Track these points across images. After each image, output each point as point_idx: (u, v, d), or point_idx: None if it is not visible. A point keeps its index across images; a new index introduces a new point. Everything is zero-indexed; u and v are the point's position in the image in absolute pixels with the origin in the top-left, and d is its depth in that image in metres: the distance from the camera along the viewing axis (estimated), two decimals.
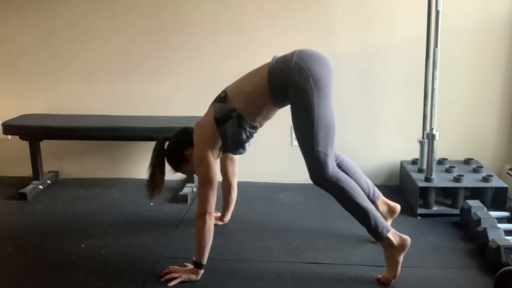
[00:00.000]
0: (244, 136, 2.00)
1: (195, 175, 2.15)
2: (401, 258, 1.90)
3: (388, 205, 2.26)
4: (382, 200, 2.25)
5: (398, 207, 2.26)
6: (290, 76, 1.86)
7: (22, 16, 3.00)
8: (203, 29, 2.91)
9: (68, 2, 2.95)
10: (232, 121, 1.95)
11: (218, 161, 2.18)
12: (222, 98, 2.00)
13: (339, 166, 2.15)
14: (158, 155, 2.09)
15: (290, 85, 1.86)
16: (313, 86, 1.83)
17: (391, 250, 1.90)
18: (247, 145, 2.09)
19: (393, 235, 1.90)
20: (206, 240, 1.93)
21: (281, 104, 1.98)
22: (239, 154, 2.15)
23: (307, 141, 1.88)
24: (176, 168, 2.14)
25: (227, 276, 2.00)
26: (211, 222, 1.93)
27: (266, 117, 2.02)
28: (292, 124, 1.95)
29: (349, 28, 2.82)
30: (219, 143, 2.00)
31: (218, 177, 2.00)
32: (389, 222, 2.26)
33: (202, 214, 1.93)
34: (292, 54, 1.91)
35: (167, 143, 2.12)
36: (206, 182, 1.95)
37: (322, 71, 1.86)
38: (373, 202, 2.21)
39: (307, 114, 1.85)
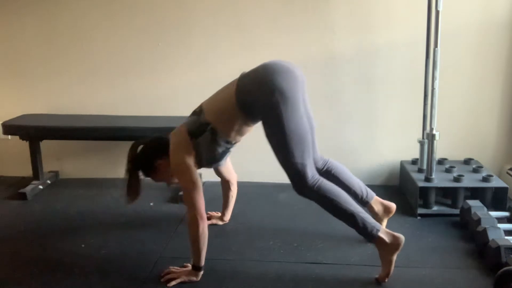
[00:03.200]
0: (220, 151, 2.01)
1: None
2: (394, 256, 1.90)
3: (383, 205, 2.26)
4: (377, 200, 2.26)
5: (393, 206, 2.27)
6: (255, 92, 1.87)
7: (22, 16, 3.00)
8: (203, 29, 2.90)
9: (68, 2, 2.95)
10: (206, 135, 1.95)
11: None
12: (197, 112, 2.01)
13: (329, 171, 2.19)
14: (131, 160, 2.05)
15: (257, 101, 1.87)
16: (280, 100, 1.82)
17: (384, 248, 1.91)
18: (223, 159, 2.10)
19: (384, 234, 1.90)
20: (201, 243, 1.92)
21: (252, 120, 1.98)
22: (215, 167, 2.14)
23: (283, 154, 1.89)
24: (146, 175, 2.09)
25: (227, 276, 2.00)
26: (204, 225, 1.93)
27: (240, 132, 2.01)
28: (266, 138, 1.95)
29: (349, 28, 2.82)
30: (193, 153, 1.98)
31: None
32: (385, 222, 2.27)
33: (194, 218, 1.91)
34: (257, 68, 1.92)
35: (140, 147, 2.09)
36: (189, 187, 1.94)
37: (287, 82, 1.86)
38: (367, 202, 2.22)
39: (278, 129, 1.85)
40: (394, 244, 1.89)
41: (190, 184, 1.93)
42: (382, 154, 2.98)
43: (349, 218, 1.92)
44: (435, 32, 2.39)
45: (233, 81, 1.96)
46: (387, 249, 1.90)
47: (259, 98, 1.86)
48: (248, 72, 1.95)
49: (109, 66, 3.02)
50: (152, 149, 2.07)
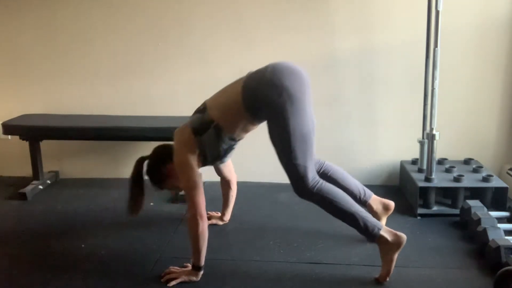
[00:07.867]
0: (224, 147, 2.00)
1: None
2: (395, 255, 1.91)
3: (382, 203, 2.27)
4: (375, 199, 2.26)
5: (392, 203, 2.27)
6: (262, 92, 1.86)
7: (22, 16, 3.00)
8: (203, 29, 2.91)
9: (68, 2, 2.95)
10: (210, 131, 1.94)
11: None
12: (200, 110, 2.01)
13: (325, 173, 2.20)
14: (136, 175, 2.06)
15: (264, 101, 1.87)
16: (287, 100, 1.83)
17: (386, 247, 1.91)
18: (227, 156, 2.09)
19: (386, 233, 1.91)
20: (201, 242, 1.92)
21: (258, 120, 1.97)
22: (218, 164, 2.13)
23: (285, 155, 1.89)
24: (160, 186, 2.11)
25: (227, 276, 2.00)
26: (204, 224, 1.92)
27: (245, 130, 2.01)
28: (270, 138, 1.94)
29: (349, 28, 2.82)
30: (197, 151, 1.98)
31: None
32: (384, 220, 2.28)
33: (194, 217, 1.91)
34: (265, 69, 1.91)
35: (146, 162, 2.09)
36: (191, 186, 1.94)
37: (295, 83, 1.86)
38: (366, 202, 2.23)
39: (283, 129, 1.86)
40: (396, 243, 1.89)
41: (191, 183, 1.93)
42: (382, 154, 2.98)
43: (350, 218, 1.93)
44: (435, 32, 2.39)
45: (239, 80, 1.96)
46: (388, 247, 1.90)
47: (267, 98, 1.86)
48: (255, 71, 1.94)
49: (109, 66, 3.02)
50: (158, 157, 2.07)
